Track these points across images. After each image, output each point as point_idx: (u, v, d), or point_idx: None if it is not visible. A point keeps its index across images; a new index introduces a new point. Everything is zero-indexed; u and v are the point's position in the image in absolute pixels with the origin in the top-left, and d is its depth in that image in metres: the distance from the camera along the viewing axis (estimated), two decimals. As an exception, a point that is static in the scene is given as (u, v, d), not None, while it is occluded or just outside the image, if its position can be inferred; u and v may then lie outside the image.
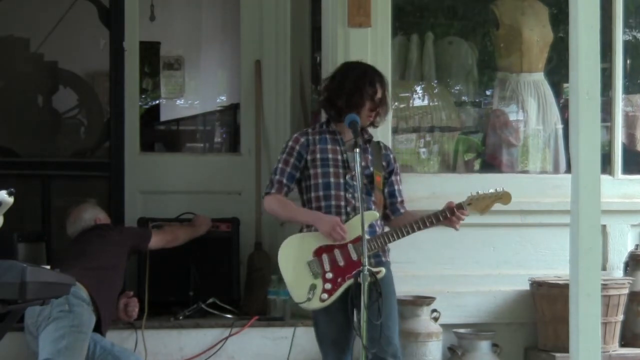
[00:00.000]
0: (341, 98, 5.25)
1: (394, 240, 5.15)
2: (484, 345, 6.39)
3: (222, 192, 7.24)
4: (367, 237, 4.79)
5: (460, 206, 5.18)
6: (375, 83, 5.25)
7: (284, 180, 5.24)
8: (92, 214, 6.26)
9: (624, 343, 6.66)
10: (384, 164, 5.35)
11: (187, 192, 7.15)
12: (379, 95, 5.25)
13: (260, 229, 7.12)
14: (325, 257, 5.11)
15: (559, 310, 6.24)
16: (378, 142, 5.44)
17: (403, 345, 5.82)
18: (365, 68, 5.39)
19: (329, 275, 5.08)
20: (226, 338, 6.27)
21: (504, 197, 5.27)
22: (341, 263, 5.09)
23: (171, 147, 8.19)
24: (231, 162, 7.42)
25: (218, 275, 6.79)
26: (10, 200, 4.10)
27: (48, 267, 4.74)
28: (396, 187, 5.39)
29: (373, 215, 5.17)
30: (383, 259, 5.24)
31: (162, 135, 8.28)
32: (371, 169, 5.27)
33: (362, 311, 4.65)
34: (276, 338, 6.35)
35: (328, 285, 5.06)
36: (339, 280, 5.06)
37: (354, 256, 5.06)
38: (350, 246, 5.10)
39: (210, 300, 6.59)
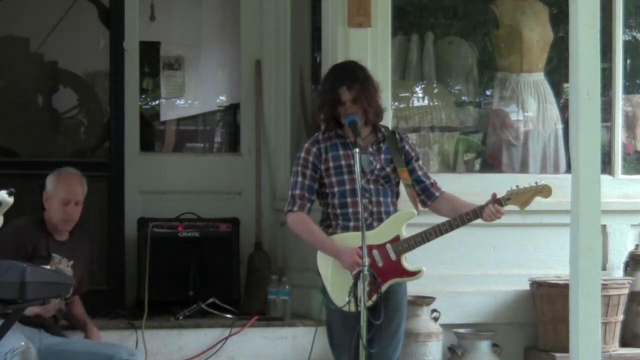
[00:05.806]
0: (324, 109, 5.10)
1: (433, 238, 5.00)
2: (484, 345, 6.39)
3: (222, 192, 7.24)
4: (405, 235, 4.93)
5: (499, 202, 4.98)
6: (337, 89, 5.01)
7: (305, 194, 5.04)
8: None
9: (624, 343, 6.67)
10: (402, 157, 5.14)
11: (187, 192, 7.16)
12: (344, 98, 5.01)
13: (260, 229, 7.12)
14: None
15: (559, 310, 6.24)
16: (394, 134, 5.19)
17: (403, 345, 5.81)
18: (330, 75, 5.18)
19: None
20: (226, 338, 6.26)
21: (544, 190, 5.07)
22: (380, 264, 4.93)
23: (171, 147, 8.17)
24: (231, 162, 7.42)
25: (218, 275, 6.79)
26: (10, 200, 4.10)
27: (48, 267, 4.74)
28: (420, 173, 5.16)
29: (411, 213, 5.03)
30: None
31: (162, 135, 8.26)
32: (387, 169, 5.06)
33: (362, 311, 4.63)
34: (276, 338, 6.35)
35: (367, 287, 4.80)
36: (379, 281, 4.85)
37: (393, 256, 4.93)
38: (388, 246, 4.95)
39: (210, 300, 6.59)
